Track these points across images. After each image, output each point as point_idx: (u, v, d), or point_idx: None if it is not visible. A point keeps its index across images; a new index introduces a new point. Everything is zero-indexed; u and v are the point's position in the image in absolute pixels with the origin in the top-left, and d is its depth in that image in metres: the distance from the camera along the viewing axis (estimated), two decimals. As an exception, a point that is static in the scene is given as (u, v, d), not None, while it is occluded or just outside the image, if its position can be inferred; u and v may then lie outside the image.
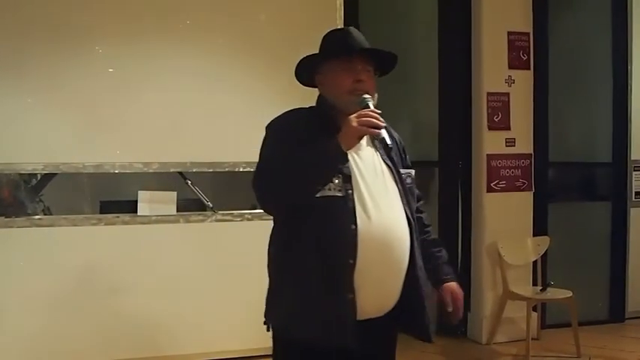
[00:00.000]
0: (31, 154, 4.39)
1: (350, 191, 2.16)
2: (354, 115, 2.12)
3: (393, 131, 2.41)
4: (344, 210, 2.14)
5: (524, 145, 5.29)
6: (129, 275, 4.52)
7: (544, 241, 5.29)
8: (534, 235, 5.32)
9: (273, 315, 2.29)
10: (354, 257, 2.11)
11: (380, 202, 2.20)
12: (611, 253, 5.82)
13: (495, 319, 5.13)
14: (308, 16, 4.81)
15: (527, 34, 5.28)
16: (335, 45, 2.34)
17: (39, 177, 4.79)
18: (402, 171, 2.35)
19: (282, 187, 2.11)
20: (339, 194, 2.15)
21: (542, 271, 5.26)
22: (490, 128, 5.21)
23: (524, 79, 5.28)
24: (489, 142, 5.22)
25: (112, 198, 4.86)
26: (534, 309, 5.15)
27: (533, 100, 5.34)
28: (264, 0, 4.79)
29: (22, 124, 4.37)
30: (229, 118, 4.67)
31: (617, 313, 5.79)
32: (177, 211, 4.66)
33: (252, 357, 4.57)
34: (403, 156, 2.43)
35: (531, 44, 5.29)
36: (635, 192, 5.83)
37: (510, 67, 5.23)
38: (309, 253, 2.13)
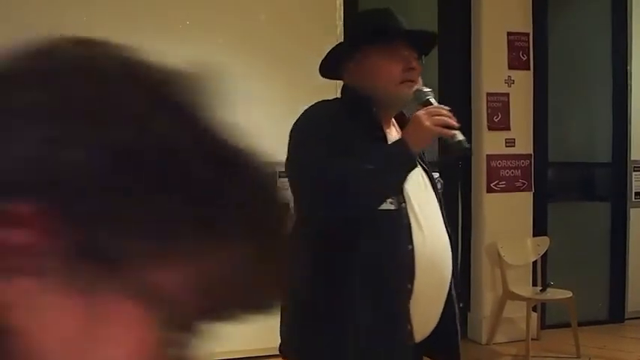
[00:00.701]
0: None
1: (403, 204, 1.85)
2: (423, 112, 1.82)
3: None
4: (399, 226, 1.84)
5: (524, 145, 5.29)
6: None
7: (544, 242, 5.29)
8: (534, 235, 5.32)
9: (305, 351, 1.91)
10: (412, 281, 1.83)
11: (428, 216, 1.92)
12: (611, 254, 5.83)
13: (495, 320, 5.13)
14: (308, 16, 4.82)
15: (527, 34, 5.28)
16: (374, 27, 1.97)
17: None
18: (434, 175, 2.06)
19: (346, 203, 1.76)
20: (393, 207, 1.83)
21: (541, 272, 5.26)
22: (490, 128, 5.21)
23: (524, 79, 5.28)
24: (489, 143, 5.22)
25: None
26: (534, 309, 5.15)
27: (532, 100, 5.34)
28: (265, 0, 4.80)
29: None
30: (230, 118, 4.67)
31: (616, 314, 5.79)
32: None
33: (253, 357, 4.57)
34: (424, 157, 2.08)
35: (531, 44, 5.29)
36: (635, 192, 5.83)
37: (510, 67, 5.23)
38: (358, 276, 1.80)
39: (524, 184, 5.30)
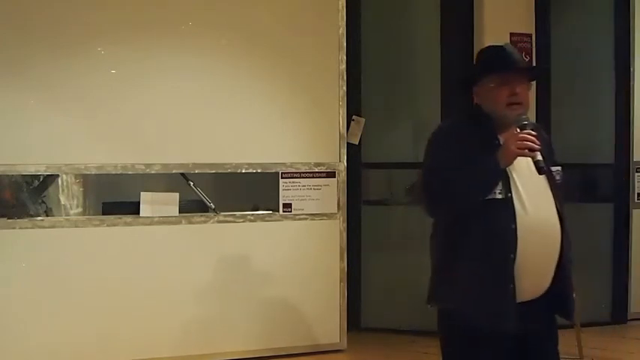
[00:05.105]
0: (34, 155, 4.39)
1: (510, 194, 2.44)
2: (513, 137, 2.45)
3: (543, 132, 2.70)
4: (505, 211, 2.42)
5: (527, 146, 5.28)
6: (130, 276, 4.52)
7: (546, 243, 5.27)
8: (536, 236, 5.31)
9: (443, 300, 2.56)
10: (515, 252, 2.41)
11: (536, 200, 2.48)
12: (614, 255, 5.81)
13: (497, 321, 5.11)
14: (311, 17, 4.83)
15: (530, 35, 5.27)
16: (492, 61, 2.61)
17: (41, 178, 4.81)
18: (552, 168, 2.64)
19: (451, 198, 2.46)
20: (500, 197, 2.43)
21: (544, 273, 5.25)
22: (492, 129, 5.20)
23: (527, 80, 5.27)
24: (491, 144, 5.21)
25: (115, 199, 4.87)
26: (536, 310, 5.14)
27: (535, 101, 5.33)
28: (268, 2, 4.81)
29: (24, 126, 4.37)
30: (232, 119, 4.68)
31: (619, 315, 5.78)
32: (180, 212, 4.66)
33: (255, 358, 4.56)
34: (551, 155, 2.71)
35: (534, 45, 5.29)
36: (638, 193, 5.82)
37: (513, 68, 5.23)
38: (476, 249, 2.43)
39: (526, 185, 5.29)
